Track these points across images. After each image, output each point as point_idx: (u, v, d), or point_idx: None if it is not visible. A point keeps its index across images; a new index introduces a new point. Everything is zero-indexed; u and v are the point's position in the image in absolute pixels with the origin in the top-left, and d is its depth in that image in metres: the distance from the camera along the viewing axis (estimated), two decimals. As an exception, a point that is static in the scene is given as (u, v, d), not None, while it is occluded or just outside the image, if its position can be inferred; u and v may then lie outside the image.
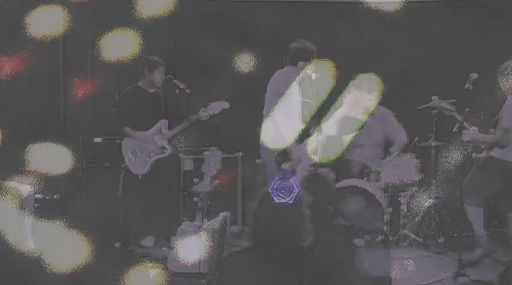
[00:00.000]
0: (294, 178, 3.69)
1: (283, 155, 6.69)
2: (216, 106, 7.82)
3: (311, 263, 3.55)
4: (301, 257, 3.55)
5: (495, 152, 7.11)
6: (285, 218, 3.54)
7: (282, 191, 3.55)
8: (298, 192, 3.57)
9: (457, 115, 7.31)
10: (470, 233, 7.36)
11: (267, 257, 3.51)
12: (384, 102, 8.38)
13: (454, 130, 7.21)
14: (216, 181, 7.09)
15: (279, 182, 3.58)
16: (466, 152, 7.58)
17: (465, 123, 7.16)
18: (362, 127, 8.35)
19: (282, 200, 3.54)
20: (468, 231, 7.45)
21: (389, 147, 8.27)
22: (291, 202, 3.55)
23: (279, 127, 6.66)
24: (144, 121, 7.84)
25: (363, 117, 8.02)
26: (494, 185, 7.11)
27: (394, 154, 8.06)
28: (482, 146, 7.30)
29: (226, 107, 7.85)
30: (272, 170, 6.66)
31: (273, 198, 3.54)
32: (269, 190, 3.56)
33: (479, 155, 7.31)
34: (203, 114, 7.77)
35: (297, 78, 6.72)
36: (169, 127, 7.89)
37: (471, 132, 7.06)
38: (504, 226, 7.73)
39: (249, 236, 3.62)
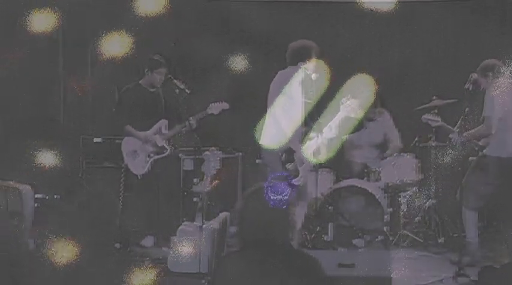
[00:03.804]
0: (289, 177, 3.68)
1: (288, 155, 6.64)
2: (216, 107, 7.80)
3: (300, 262, 3.53)
4: (290, 256, 3.54)
5: (488, 151, 7.08)
6: (272, 218, 3.52)
7: (277, 190, 3.54)
8: (292, 191, 3.55)
9: (442, 124, 7.35)
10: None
11: (259, 257, 3.49)
12: (384, 102, 8.40)
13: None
14: (216, 181, 7.09)
15: (273, 181, 3.57)
16: (465, 152, 7.57)
17: (449, 127, 7.21)
18: (363, 127, 8.36)
19: (276, 198, 3.53)
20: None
21: (384, 151, 8.33)
22: (285, 199, 3.53)
23: (282, 128, 6.62)
24: (144, 119, 7.83)
25: (363, 117, 8.02)
26: (491, 184, 7.06)
27: (394, 155, 8.09)
28: (476, 148, 7.26)
29: (226, 108, 7.84)
30: (275, 170, 6.61)
31: (266, 197, 3.52)
32: (264, 189, 3.54)
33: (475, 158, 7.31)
34: (193, 119, 7.68)
35: (298, 78, 6.69)
36: (169, 127, 7.88)
37: (456, 135, 7.09)
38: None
39: (238, 237, 3.60)
